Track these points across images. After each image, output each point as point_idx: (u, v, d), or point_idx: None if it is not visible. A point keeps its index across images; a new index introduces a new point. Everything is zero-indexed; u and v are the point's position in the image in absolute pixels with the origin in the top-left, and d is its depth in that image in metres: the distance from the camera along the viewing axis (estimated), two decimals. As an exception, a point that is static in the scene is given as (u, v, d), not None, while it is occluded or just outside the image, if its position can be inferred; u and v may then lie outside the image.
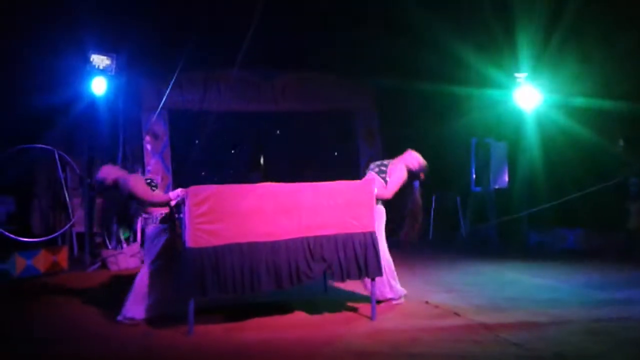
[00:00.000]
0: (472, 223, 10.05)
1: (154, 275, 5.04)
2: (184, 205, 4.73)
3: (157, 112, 9.56)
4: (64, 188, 8.47)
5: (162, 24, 8.75)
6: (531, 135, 9.00)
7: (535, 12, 8.07)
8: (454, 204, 10.23)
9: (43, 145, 8.25)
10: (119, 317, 4.99)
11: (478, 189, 10.11)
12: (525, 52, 8.50)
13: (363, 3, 8.95)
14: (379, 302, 5.28)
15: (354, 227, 5.03)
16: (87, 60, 7.93)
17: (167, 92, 9.41)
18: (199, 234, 4.66)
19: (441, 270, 7.19)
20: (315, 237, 4.93)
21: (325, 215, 4.97)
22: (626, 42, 7.61)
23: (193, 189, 4.75)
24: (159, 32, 8.81)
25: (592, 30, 8.00)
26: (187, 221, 4.68)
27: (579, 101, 8.19)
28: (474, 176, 10.05)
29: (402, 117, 10.43)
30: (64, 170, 8.48)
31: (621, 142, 8.87)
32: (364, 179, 5.44)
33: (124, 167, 9.31)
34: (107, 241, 8.30)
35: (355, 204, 5.07)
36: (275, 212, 4.86)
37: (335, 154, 11.49)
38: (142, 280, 5.05)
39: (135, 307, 5.01)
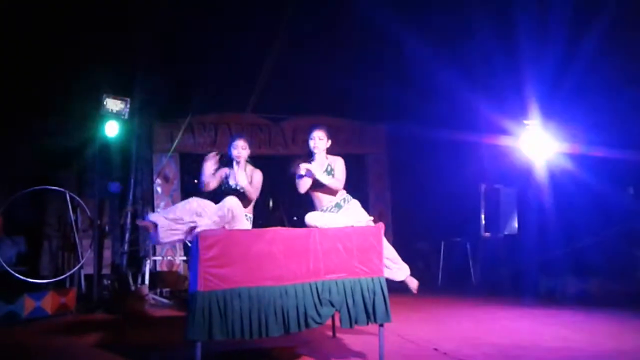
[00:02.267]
0: (483, 269, 9.98)
1: None
2: (193, 248, 4.76)
3: (169, 155, 9.69)
4: (74, 229, 8.51)
5: (175, 67, 8.94)
6: (541, 182, 9.01)
7: (545, 60, 8.16)
8: (464, 250, 10.18)
9: (55, 187, 8.33)
10: None
11: (488, 234, 10.08)
12: (534, 100, 8.59)
13: (373, 49, 9.11)
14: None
15: (363, 272, 5.03)
16: (100, 104, 8.03)
17: (179, 135, 9.59)
18: (208, 277, 4.65)
19: (451, 317, 7.12)
20: (324, 282, 4.92)
21: (334, 259, 4.97)
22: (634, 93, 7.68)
23: (203, 232, 4.78)
24: (172, 76, 8.99)
25: (601, 80, 8.07)
26: (196, 264, 4.69)
27: (588, 149, 8.23)
28: (484, 222, 10.04)
29: (413, 162, 10.49)
30: (74, 211, 8.53)
31: (631, 190, 8.88)
32: (366, 225, 5.40)
33: (134, 209, 9.43)
34: (115, 284, 8.32)
35: (364, 249, 5.08)
36: (284, 256, 4.86)
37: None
38: None
39: None
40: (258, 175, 5.53)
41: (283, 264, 4.83)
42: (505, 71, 8.47)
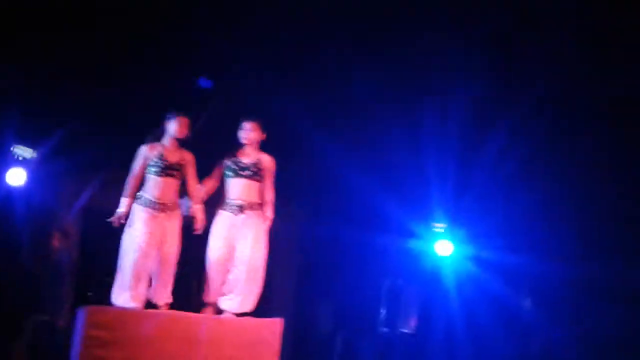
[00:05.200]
0: (376, 366, 9.92)
1: None
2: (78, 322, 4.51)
3: (74, 209, 9.29)
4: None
5: (92, 116, 8.66)
6: (444, 282, 9.19)
7: (451, 164, 8.45)
8: (360, 346, 10.11)
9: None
10: None
11: (385, 330, 10.06)
12: (441, 204, 8.87)
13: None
14: None
15: (254, 368, 4.90)
16: (6, 151, 7.71)
17: (88, 190, 9.24)
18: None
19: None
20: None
21: (225, 353, 4.82)
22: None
23: (92, 309, 4.55)
24: (89, 126, 8.69)
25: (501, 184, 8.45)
26: (78, 343, 4.43)
27: (490, 254, 8.52)
28: (383, 318, 10.05)
29: (318, 257, 10.43)
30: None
31: (528, 302, 9.13)
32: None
33: (29, 260, 8.91)
34: None
35: (258, 343, 4.96)
36: (173, 344, 4.68)
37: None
38: None
39: None
40: None
41: (171, 353, 4.63)
42: (414, 175, 8.69)
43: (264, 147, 5.48)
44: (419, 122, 8.07)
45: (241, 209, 5.19)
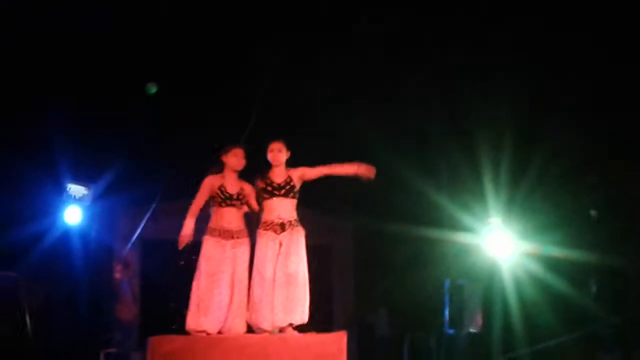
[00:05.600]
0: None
1: None
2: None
3: (132, 241, 9.51)
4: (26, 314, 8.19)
5: (140, 152, 8.87)
6: (504, 280, 9.02)
7: (505, 158, 8.33)
8: (427, 347, 10.04)
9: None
10: None
11: (452, 331, 9.97)
12: (495, 198, 8.71)
13: (336, 141, 9.17)
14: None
15: (323, 383, 4.90)
16: (63, 190, 7.93)
17: (143, 222, 9.43)
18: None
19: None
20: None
21: (294, 371, 4.84)
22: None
23: (157, 339, 4.63)
24: (138, 160, 8.90)
25: (560, 180, 8.26)
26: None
27: (550, 249, 8.32)
28: (447, 318, 9.96)
29: (377, 257, 10.44)
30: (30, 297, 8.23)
31: (593, 289, 8.92)
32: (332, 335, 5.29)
33: (92, 295, 9.14)
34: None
35: (324, 358, 4.96)
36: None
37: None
38: None
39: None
40: None
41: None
42: (468, 169, 8.60)
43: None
44: (471, 113, 8.04)
45: (282, 227, 5.26)
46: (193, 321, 5.05)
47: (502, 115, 7.83)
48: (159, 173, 9.21)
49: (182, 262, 7.59)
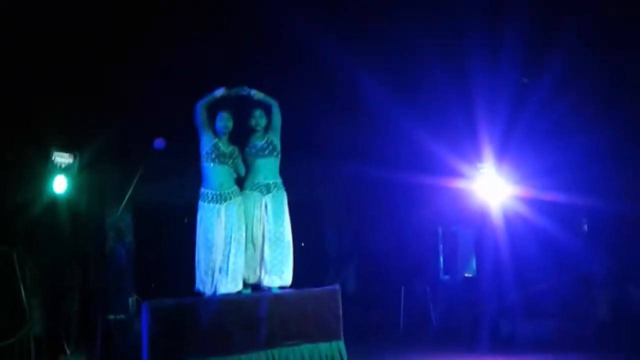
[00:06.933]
0: (442, 313, 9.92)
1: None
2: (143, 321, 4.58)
3: (121, 207, 9.40)
4: (22, 288, 8.15)
5: (126, 116, 8.71)
6: (497, 225, 9.04)
7: (499, 103, 8.24)
8: (424, 294, 10.12)
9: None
10: None
11: (446, 277, 10.05)
12: (488, 143, 8.66)
13: (327, 88, 9.03)
14: None
15: (320, 336, 4.92)
16: (48, 159, 7.77)
17: (132, 186, 9.31)
18: (157, 352, 4.48)
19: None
20: (281, 349, 4.80)
21: (290, 325, 4.86)
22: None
23: (154, 302, 4.62)
24: (124, 125, 8.74)
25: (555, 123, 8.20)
26: (145, 338, 4.51)
27: (542, 193, 8.32)
28: (442, 265, 10.02)
29: (370, 206, 10.41)
30: (22, 269, 8.17)
31: (585, 227, 8.97)
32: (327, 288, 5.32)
33: (85, 265, 9.08)
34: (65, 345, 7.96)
35: (320, 312, 4.98)
36: (237, 325, 4.73)
37: (302, 244, 11.34)
38: None
39: None
40: None
41: (235, 333, 4.69)
42: (459, 114, 8.51)
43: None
44: (466, 59, 7.91)
45: (268, 188, 5.48)
46: (200, 285, 5.09)
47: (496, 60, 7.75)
48: (146, 135, 9.07)
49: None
